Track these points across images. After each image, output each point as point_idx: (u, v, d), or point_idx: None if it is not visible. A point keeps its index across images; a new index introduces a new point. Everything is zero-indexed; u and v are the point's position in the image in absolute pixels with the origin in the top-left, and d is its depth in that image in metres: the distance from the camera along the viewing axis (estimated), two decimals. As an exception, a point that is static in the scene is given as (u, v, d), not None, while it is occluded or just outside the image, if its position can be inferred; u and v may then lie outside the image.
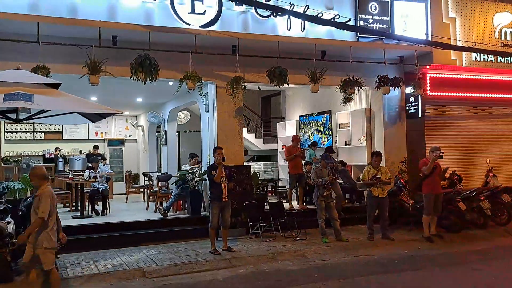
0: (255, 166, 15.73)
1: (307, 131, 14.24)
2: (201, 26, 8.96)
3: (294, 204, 11.18)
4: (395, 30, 10.56)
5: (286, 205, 10.78)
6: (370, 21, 10.44)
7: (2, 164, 11.20)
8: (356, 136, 12.41)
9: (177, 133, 15.52)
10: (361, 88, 10.37)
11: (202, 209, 10.14)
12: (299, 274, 7.05)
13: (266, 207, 10.03)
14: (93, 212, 10.50)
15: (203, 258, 7.65)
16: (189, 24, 8.90)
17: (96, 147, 15.04)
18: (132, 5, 8.71)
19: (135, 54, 8.32)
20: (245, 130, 16.26)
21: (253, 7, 9.35)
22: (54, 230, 5.44)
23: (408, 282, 6.70)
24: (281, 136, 15.21)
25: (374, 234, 9.05)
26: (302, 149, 11.62)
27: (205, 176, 9.83)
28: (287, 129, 15.11)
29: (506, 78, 12.19)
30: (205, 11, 9.04)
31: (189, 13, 8.97)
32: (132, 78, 8.32)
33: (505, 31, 11.47)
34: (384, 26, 10.55)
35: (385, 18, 10.56)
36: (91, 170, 11.03)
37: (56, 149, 15.04)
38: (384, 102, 11.46)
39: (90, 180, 10.77)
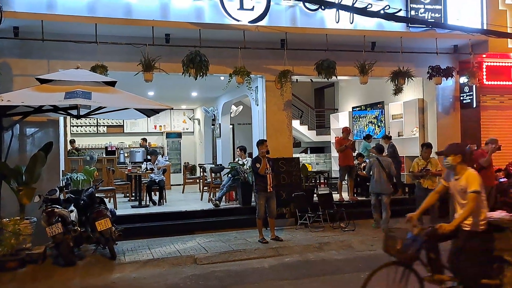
0: (308, 158, 15.89)
1: (361, 122, 14.19)
2: (249, 22, 9.20)
3: (345, 195, 11.24)
4: (448, 19, 10.27)
5: (337, 196, 10.87)
6: (422, 10, 10.23)
7: (68, 157, 12.06)
8: (409, 127, 12.23)
9: (231, 126, 15.96)
10: (411, 79, 10.22)
11: (252, 199, 10.48)
12: (344, 264, 7.20)
13: (316, 198, 10.19)
14: (150, 202, 11.13)
15: (252, 247, 7.97)
16: (238, 20, 9.18)
17: (144, 140, 15.69)
18: (183, 4, 9.10)
19: (186, 51, 8.73)
20: (297, 122, 16.54)
21: (301, 1, 9.46)
22: None
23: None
24: (334, 128, 15.25)
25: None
26: (353, 140, 11.63)
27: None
28: (340, 121, 15.13)
29: None
30: (253, 6, 9.28)
31: (238, 9, 9.24)
32: (184, 74, 8.75)
33: None
34: (437, 15, 10.29)
35: (438, 7, 10.30)
36: (149, 162, 11.67)
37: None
38: (437, 92, 11.21)
39: (147, 171, 11.40)
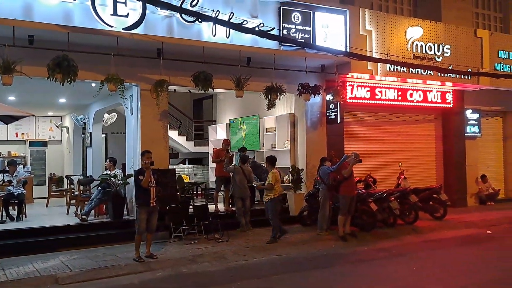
0: (186, 169, 15.80)
1: (238, 134, 14.50)
2: (124, 29, 8.89)
3: (220, 206, 11.36)
4: (317, 40, 11.04)
5: (213, 207, 10.94)
6: (293, 30, 10.84)
7: None
8: (281, 140, 12.83)
9: (104, 135, 15.22)
10: (283, 94, 10.75)
11: (124, 212, 10.08)
12: (216, 275, 7.23)
13: (192, 210, 10.14)
14: (7, 217, 10.06)
15: (121, 263, 7.62)
16: (111, 26, 8.82)
17: None
18: (50, 3, 8.48)
19: (54, 54, 8.12)
20: (175, 132, 16.38)
21: (178, 12, 9.42)
22: None
23: (317, 278, 7.10)
24: (212, 139, 15.38)
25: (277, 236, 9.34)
26: (231, 153, 11.83)
27: (129, 180, 9.79)
28: (218, 132, 15.33)
29: (417, 88, 13.13)
30: (128, 13, 9.00)
31: (111, 15, 8.88)
32: (49, 79, 8.12)
33: (417, 44, 12.35)
34: (306, 35, 11.00)
35: (307, 28, 11.01)
36: (7, 174, 10.56)
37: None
38: (306, 108, 11.94)
39: (4, 184, 10.30)
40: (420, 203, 10.98)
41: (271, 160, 9.68)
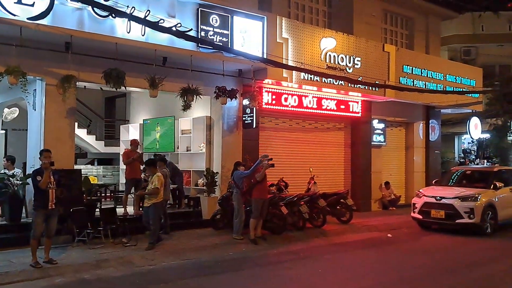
0: (94, 170, 15.12)
1: (152, 135, 14.14)
2: (29, 18, 8.28)
3: (130, 209, 10.96)
4: (235, 44, 11.08)
5: (122, 210, 10.53)
6: (211, 33, 10.78)
7: None
8: (197, 142, 12.71)
9: (3, 131, 14.11)
10: (200, 97, 10.66)
11: (24, 215, 9.38)
12: (121, 281, 6.97)
13: (99, 213, 9.68)
14: None
15: (16, 269, 7.09)
16: (14, 15, 8.18)
17: None
18: None
19: None
20: (84, 131, 15.62)
21: (89, 5, 8.96)
22: None
23: (225, 282, 7.12)
24: (124, 139, 14.85)
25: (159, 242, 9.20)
26: (141, 153, 11.49)
27: (29, 180, 9.13)
28: (131, 132, 14.84)
29: (329, 97, 13.69)
30: (34, 2, 8.38)
31: (15, 2, 8.21)
32: None
33: (330, 55, 12.86)
34: (224, 39, 10.99)
35: (225, 32, 11.02)
36: None
37: None
38: (223, 111, 11.94)
39: None
40: (328, 207, 11.41)
41: (153, 163, 9.44)
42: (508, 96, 21.42)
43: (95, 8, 9.05)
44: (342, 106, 14.12)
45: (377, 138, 15.45)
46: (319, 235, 10.64)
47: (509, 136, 21.58)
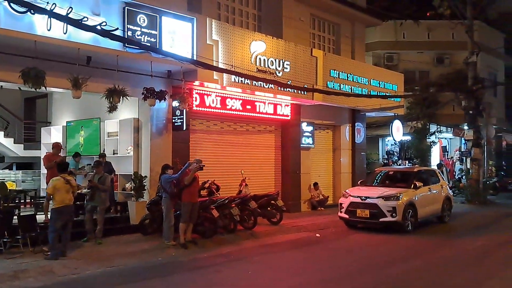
0: (12, 175, 14.22)
1: (76, 138, 13.50)
2: None
3: (52, 216, 10.38)
4: (163, 45, 10.86)
5: (43, 217, 9.94)
6: (139, 33, 10.50)
7: None
8: (124, 145, 12.32)
9: None
10: (127, 98, 10.33)
11: None
12: (40, 292, 6.58)
13: (17, 220, 9.11)
14: None
15: None
16: None
17: None
18: None
19: None
20: (0, 134, 14.60)
21: (5, 1, 8.39)
22: None
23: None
24: (45, 142, 14.08)
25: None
26: (64, 156, 10.95)
27: None
28: (53, 135, 14.12)
29: (260, 100, 13.84)
30: None
31: None
32: None
33: (260, 58, 12.98)
34: (153, 39, 10.74)
35: (154, 32, 10.77)
36: None
37: None
38: (152, 113, 11.66)
39: None
40: (259, 209, 11.52)
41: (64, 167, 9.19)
42: (427, 100, 22.93)
43: (11, 4, 8.49)
44: (272, 109, 14.33)
45: (306, 141, 15.83)
46: (250, 237, 10.70)
47: (428, 138, 23.05)
